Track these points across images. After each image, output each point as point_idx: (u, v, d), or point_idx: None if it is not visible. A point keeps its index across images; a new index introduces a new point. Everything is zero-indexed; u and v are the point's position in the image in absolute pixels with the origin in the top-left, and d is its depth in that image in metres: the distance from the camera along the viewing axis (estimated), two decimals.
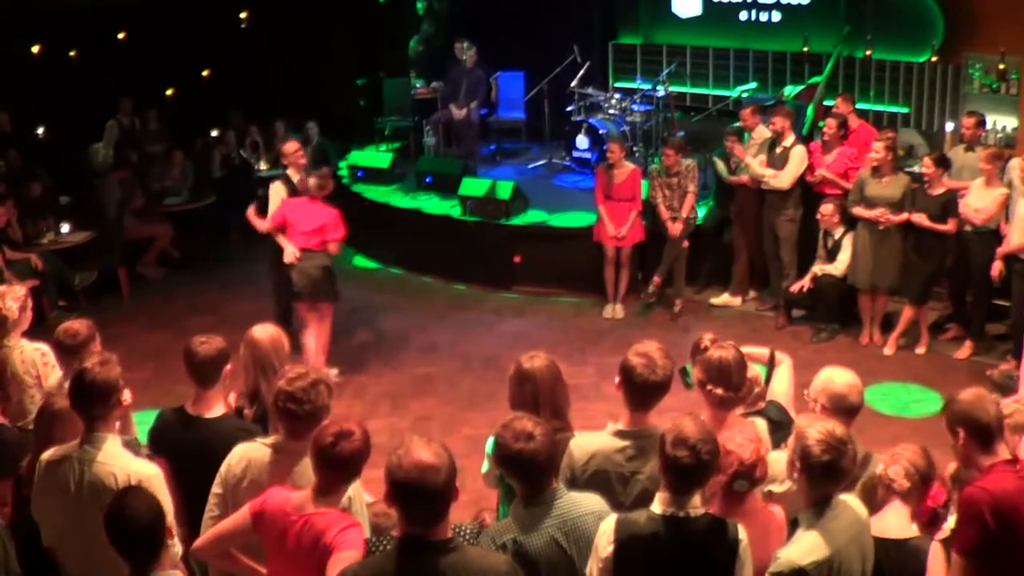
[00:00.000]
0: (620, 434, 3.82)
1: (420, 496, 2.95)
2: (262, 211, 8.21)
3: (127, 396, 4.08)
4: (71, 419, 4.07)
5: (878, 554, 3.48)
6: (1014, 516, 3.43)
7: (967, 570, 3.42)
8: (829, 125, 8.66)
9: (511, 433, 3.32)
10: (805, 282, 8.55)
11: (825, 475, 3.30)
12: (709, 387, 3.95)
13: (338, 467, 3.40)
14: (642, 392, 3.78)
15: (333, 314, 7.94)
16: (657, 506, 3.23)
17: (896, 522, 3.64)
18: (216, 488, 3.81)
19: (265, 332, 4.60)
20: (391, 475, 2.98)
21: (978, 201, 7.76)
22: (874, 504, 3.70)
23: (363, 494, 3.77)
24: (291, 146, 8.52)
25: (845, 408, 3.87)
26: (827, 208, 8.33)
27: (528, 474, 3.34)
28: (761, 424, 4.10)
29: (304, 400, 3.67)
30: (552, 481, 3.41)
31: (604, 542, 3.21)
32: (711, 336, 4.26)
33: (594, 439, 3.87)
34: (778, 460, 3.69)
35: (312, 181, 7.89)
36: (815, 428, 3.35)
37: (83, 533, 3.84)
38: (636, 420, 3.82)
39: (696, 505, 3.21)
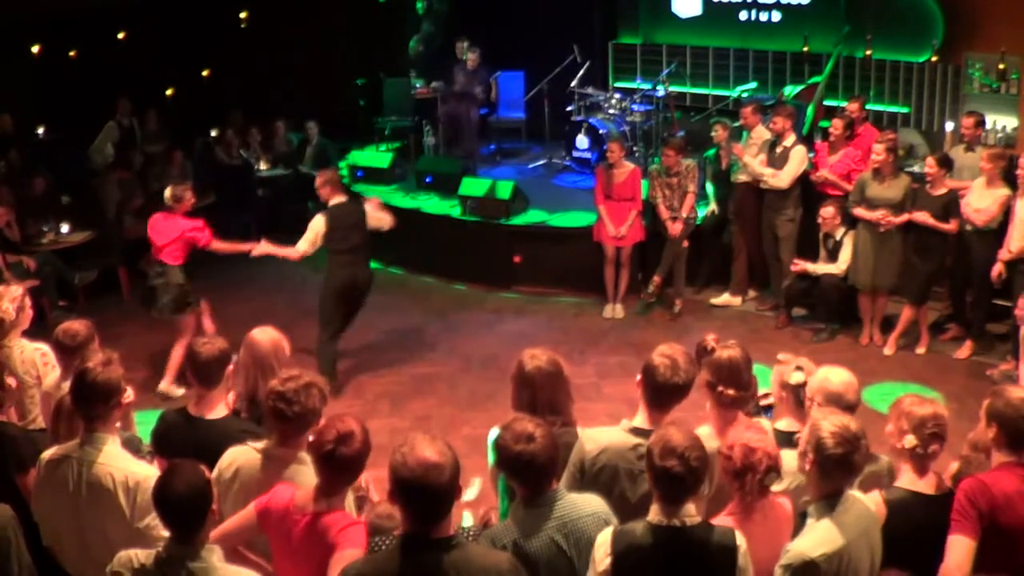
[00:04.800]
0: (635, 431, 3.81)
1: (423, 494, 2.95)
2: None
3: (129, 394, 4.08)
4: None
5: None
6: (1008, 514, 3.47)
7: (961, 553, 3.45)
8: (835, 125, 8.65)
9: (511, 434, 3.32)
10: (805, 266, 8.46)
11: (837, 468, 3.32)
12: (720, 388, 3.92)
13: (340, 470, 3.40)
14: (662, 393, 3.79)
15: None
16: (653, 516, 3.23)
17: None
18: None
19: (265, 335, 4.58)
20: (395, 472, 2.98)
21: (979, 201, 7.75)
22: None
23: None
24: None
25: (842, 406, 3.87)
26: (828, 211, 8.32)
27: (528, 476, 3.34)
28: (766, 423, 4.12)
29: (294, 401, 3.66)
30: (552, 483, 3.41)
31: (601, 554, 3.20)
32: (714, 336, 4.24)
33: (607, 433, 3.87)
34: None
35: (167, 193, 7.85)
36: (830, 421, 3.37)
37: (81, 533, 3.84)
38: (652, 419, 3.82)
39: (691, 514, 3.21)
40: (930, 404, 3.66)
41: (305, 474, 3.65)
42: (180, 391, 7.73)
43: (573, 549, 3.33)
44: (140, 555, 3.27)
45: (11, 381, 5.03)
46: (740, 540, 3.25)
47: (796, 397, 4.13)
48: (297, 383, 3.70)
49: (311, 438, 3.51)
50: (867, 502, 3.48)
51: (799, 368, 4.15)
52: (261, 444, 3.83)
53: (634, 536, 3.20)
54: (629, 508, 3.53)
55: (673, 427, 3.31)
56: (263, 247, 7.82)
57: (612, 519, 3.45)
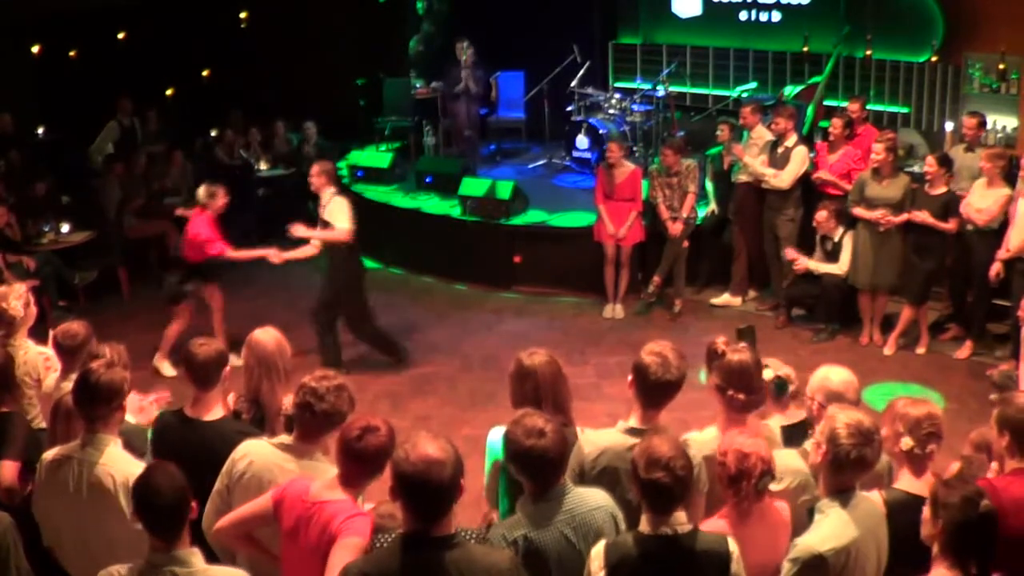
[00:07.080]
0: (631, 432, 3.80)
1: (425, 490, 2.96)
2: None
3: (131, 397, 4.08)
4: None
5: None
6: (1016, 520, 3.47)
7: None
8: (834, 124, 8.65)
9: (522, 430, 3.33)
10: (807, 264, 8.42)
11: (849, 463, 3.33)
12: (730, 392, 3.89)
13: (361, 460, 3.40)
14: (656, 391, 3.79)
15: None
16: (644, 526, 3.23)
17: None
18: (219, 484, 3.82)
19: (268, 335, 4.60)
20: (397, 468, 3.00)
21: (980, 201, 7.76)
22: None
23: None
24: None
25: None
26: (821, 215, 8.31)
27: (538, 471, 3.35)
28: (773, 424, 4.12)
29: (324, 397, 3.69)
30: (561, 478, 3.42)
31: (596, 567, 3.20)
32: (724, 339, 4.20)
33: (605, 435, 3.87)
34: (779, 459, 3.69)
35: (201, 191, 8.16)
36: (846, 415, 3.40)
37: (82, 534, 3.84)
38: (648, 418, 3.82)
39: (682, 521, 3.20)
40: (924, 404, 3.68)
41: (319, 469, 3.67)
42: (172, 371, 8.00)
43: (582, 542, 3.34)
44: (121, 569, 3.23)
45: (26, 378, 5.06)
46: (733, 547, 3.24)
47: (770, 394, 4.19)
48: (330, 382, 3.74)
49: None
50: (875, 502, 3.50)
51: (765, 366, 4.18)
52: (276, 439, 3.86)
53: (626, 548, 3.19)
54: (631, 509, 3.53)
55: (656, 436, 3.31)
56: (291, 251, 8.18)
57: (618, 513, 3.47)
